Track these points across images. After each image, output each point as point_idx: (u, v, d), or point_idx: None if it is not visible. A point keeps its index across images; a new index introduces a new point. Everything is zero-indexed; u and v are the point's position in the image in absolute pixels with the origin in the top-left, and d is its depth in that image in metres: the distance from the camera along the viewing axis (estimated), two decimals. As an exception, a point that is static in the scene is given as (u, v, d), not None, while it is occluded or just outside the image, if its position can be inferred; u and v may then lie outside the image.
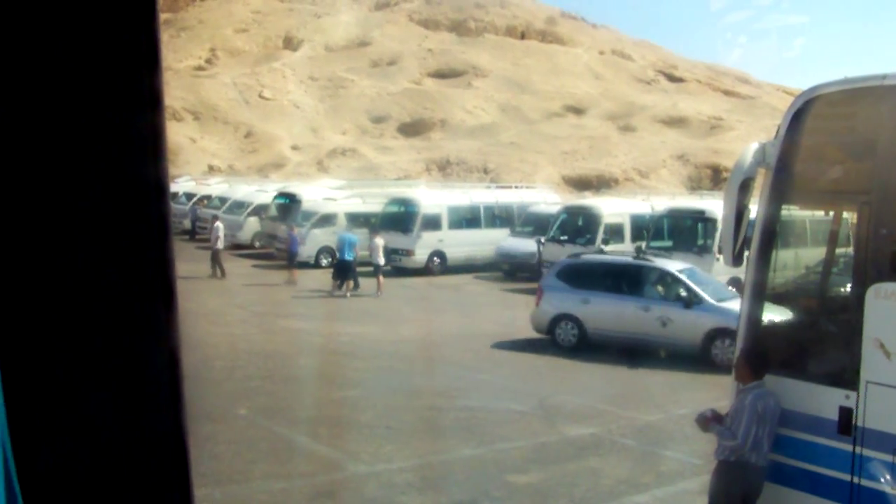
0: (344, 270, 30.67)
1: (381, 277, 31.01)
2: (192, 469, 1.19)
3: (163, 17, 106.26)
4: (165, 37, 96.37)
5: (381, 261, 31.36)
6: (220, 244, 33.92)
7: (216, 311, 24.76)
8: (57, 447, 1.05)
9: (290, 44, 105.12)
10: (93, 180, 1.06)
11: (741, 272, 9.00)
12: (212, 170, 71.58)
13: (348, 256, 30.36)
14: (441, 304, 30.12)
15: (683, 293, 21.01)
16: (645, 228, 31.91)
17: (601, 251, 27.66)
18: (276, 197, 43.22)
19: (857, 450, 7.22)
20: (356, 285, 30.68)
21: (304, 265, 34.21)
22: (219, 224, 34.77)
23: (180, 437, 1.15)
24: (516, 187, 46.81)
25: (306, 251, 35.04)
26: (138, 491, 1.12)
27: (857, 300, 7.41)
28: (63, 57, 1.03)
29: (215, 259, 33.31)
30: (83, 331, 1.05)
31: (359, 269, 30.95)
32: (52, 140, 1.03)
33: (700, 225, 30.14)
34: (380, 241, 31.59)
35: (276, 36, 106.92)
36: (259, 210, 43.44)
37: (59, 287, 1.04)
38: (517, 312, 27.80)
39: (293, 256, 33.45)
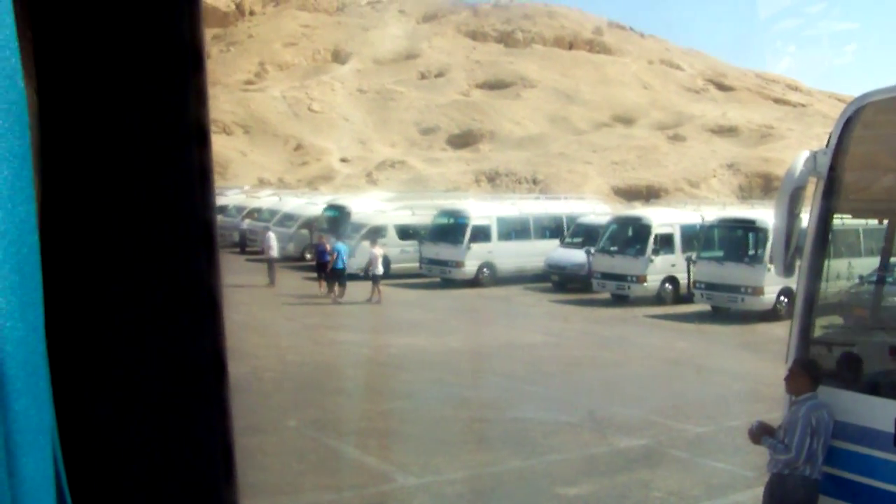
0: (336, 277, 31.77)
1: (380, 286, 31.81)
2: (239, 480, 1.19)
3: (212, 32, 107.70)
4: (215, 51, 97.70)
5: (380, 270, 32.22)
6: (274, 252, 35.20)
7: (265, 323, 24.94)
8: (103, 456, 1.06)
9: (338, 57, 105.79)
10: (138, 185, 1.06)
11: (793, 282, 8.88)
12: (262, 183, 72.06)
13: (340, 265, 31.62)
14: (490, 315, 30.12)
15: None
16: (695, 239, 31.66)
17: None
18: (325, 209, 43.40)
19: (914, 463, 7.09)
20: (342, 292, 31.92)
21: (354, 277, 34.10)
22: (271, 234, 35.88)
23: (227, 448, 1.15)
24: (565, 198, 46.73)
25: (356, 263, 34.85)
26: (185, 501, 1.13)
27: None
28: (104, 60, 1.04)
29: (270, 267, 34.44)
30: (131, 341, 1.06)
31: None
32: (97, 146, 1.04)
33: (751, 235, 29.82)
34: (379, 251, 32.63)
35: (324, 49, 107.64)
36: (309, 223, 43.63)
37: (104, 297, 1.04)
38: (567, 324, 27.78)
39: (323, 268, 33.40)
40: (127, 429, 1.07)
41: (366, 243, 36.19)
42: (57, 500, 0.94)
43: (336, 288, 31.88)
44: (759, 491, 8.35)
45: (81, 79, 1.02)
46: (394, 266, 38.12)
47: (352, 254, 33.59)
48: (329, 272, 32.05)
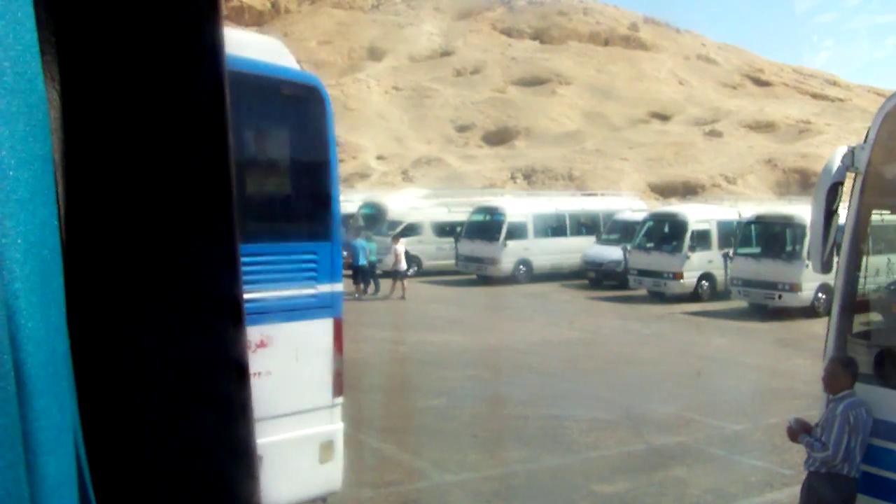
0: (359, 275, 32.02)
1: (405, 282, 32.15)
2: (261, 484, 1.19)
3: (248, 30, 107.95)
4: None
5: (404, 266, 32.47)
6: None
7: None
8: (127, 456, 1.07)
9: (374, 54, 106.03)
10: (159, 190, 1.07)
11: (831, 279, 8.81)
12: (298, 181, 72.12)
13: (361, 262, 31.84)
14: (527, 312, 30.06)
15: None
16: (732, 235, 31.49)
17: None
18: (361, 207, 43.48)
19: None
20: (377, 289, 32.55)
21: (387, 274, 34.01)
22: None
23: (250, 449, 1.16)
24: (602, 195, 46.62)
25: (391, 260, 34.87)
26: (208, 502, 1.13)
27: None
28: (127, 63, 1.04)
29: None
30: (152, 342, 1.06)
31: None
32: (119, 148, 1.04)
33: (788, 231, 29.60)
34: (401, 248, 32.69)
35: (360, 47, 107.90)
36: (345, 220, 43.61)
37: (126, 299, 1.05)
38: (603, 321, 27.69)
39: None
40: (150, 429, 1.07)
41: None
42: (80, 499, 0.95)
43: (362, 285, 32.12)
44: (797, 489, 8.29)
45: (105, 81, 1.02)
46: (430, 263, 38.19)
47: (388, 251, 33.58)
48: (353, 270, 32.01)
